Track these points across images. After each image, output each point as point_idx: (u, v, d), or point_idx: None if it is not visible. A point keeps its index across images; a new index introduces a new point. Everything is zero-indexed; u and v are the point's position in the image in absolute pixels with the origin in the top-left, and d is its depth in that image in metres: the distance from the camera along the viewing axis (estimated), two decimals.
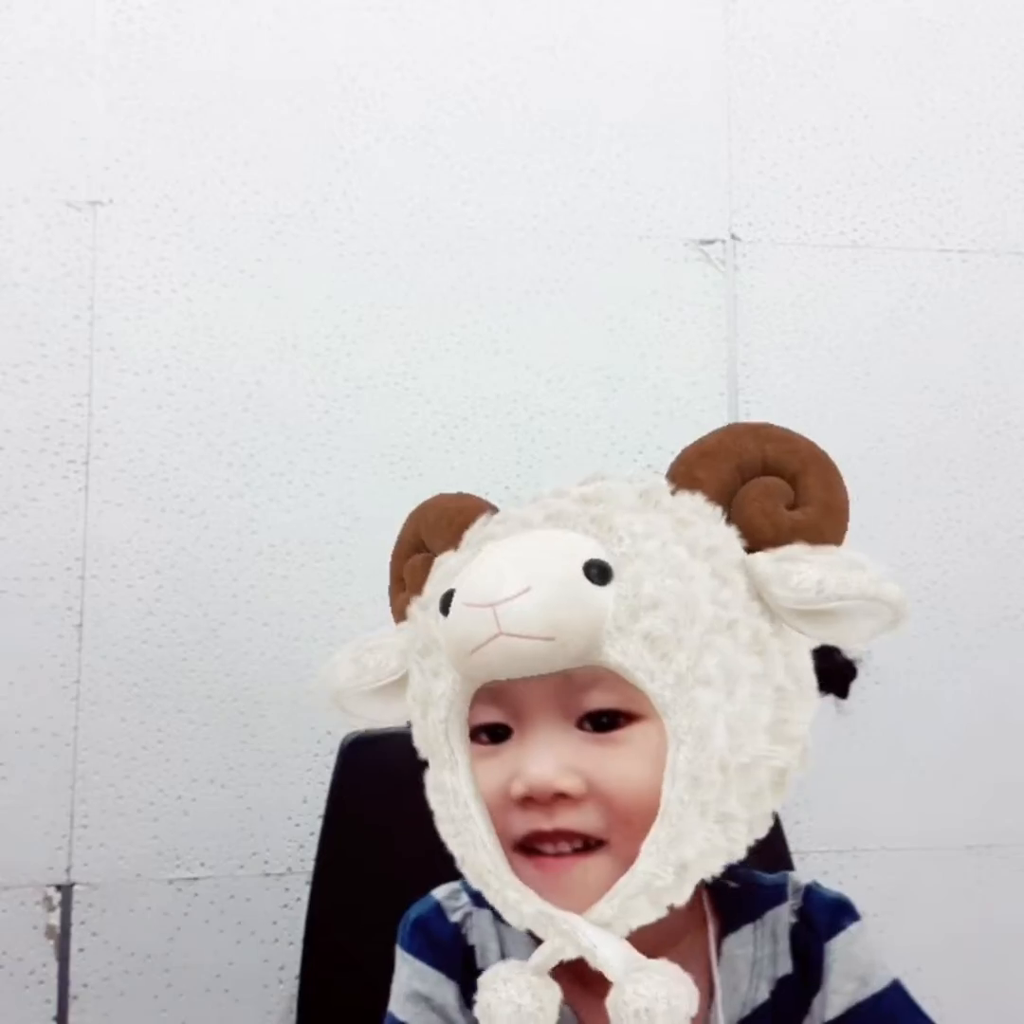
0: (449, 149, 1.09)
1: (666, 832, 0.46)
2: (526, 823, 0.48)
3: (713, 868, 0.48)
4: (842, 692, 0.55)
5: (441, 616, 0.50)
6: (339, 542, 1.04)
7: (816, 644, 0.52)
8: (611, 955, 0.46)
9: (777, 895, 0.57)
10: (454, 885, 0.59)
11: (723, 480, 0.51)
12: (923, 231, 1.16)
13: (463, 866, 0.51)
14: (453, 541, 0.54)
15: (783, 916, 0.57)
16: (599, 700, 0.48)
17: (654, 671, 0.47)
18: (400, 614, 0.58)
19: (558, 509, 0.51)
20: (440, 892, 0.60)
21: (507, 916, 0.50)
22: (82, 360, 1.02)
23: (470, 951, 0.57)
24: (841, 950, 0.56)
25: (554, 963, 0.48)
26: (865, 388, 1.13)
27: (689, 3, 1.14)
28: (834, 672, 0.54)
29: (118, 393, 1.02)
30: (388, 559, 1.10)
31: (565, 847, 0.48)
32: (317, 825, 0.89)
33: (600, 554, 0.48)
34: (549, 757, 0.48)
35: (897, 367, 1.14)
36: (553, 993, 0.48)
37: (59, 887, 0.97)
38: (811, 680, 0.52)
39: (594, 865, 0.48)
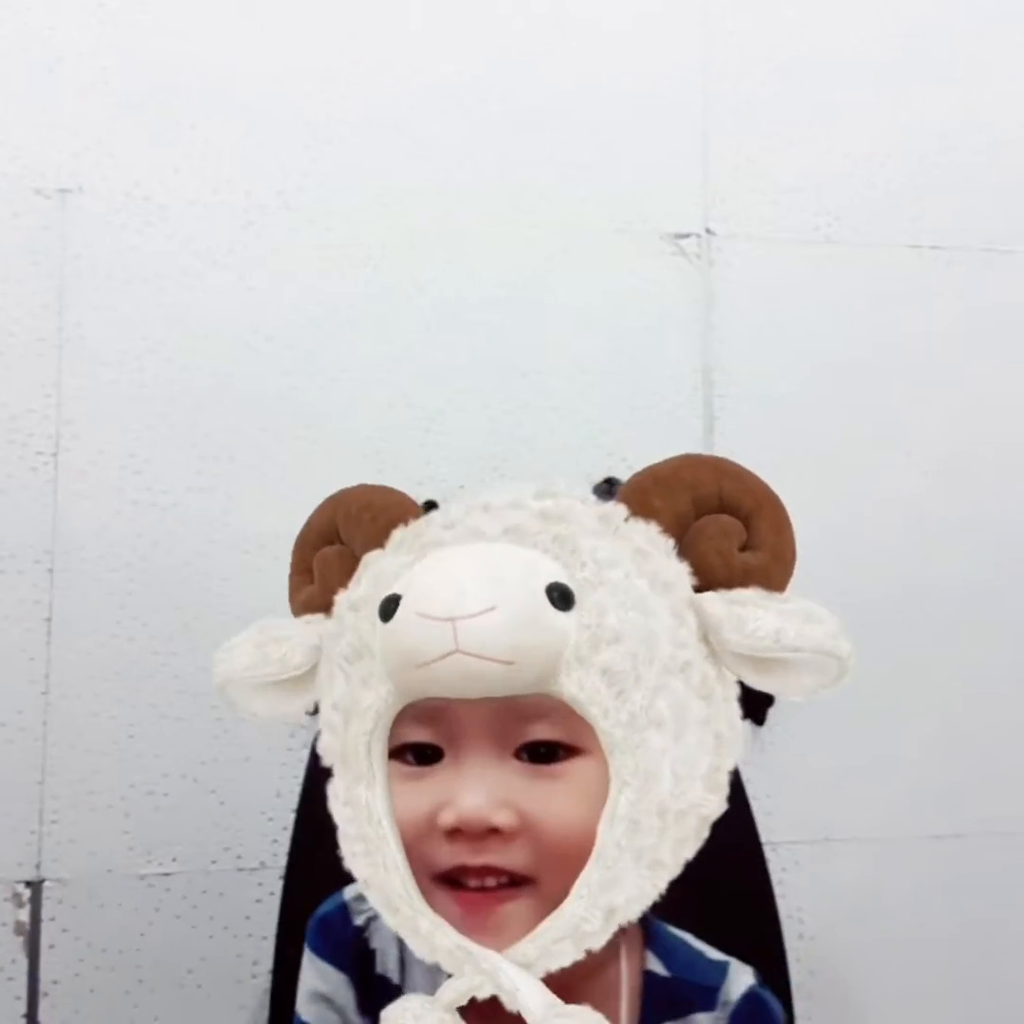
0: (425, 141, 1.09)
1: (599, 875, 0.45)
2: (452, 856, 0.46)
3: (634, 914, 0.47)
4: (759, 719, 0.54)
5: (379, 621, 0.47)
6: None
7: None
8: (531, 997, 0.44)
9: (707, 1000, 0.55)
10: None
11: (679, 512, 0.49)
12: (897, 227, 1.17)
13: (368, 889, 0.49)
14: (378, 538, 0.51)
15: None
16: (543, 731, 0.46)
17: (609, 708, 0.45)
18: (303, 606, 0.55)
19: (516, 523, 0.48)
20: (350, 891, 0.58)
21: (414, 946, 0.48)
22: (51, 350, 1.00)
23: (372, 955, 0.56)
24: None
25: (465, 1000, 0.46)
26: (838, 383, 1.14)
27: None
28: (751, 698, 0.53)
29: (87, 384, 1.00)
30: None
31: (490, 882, 0.46)
32: (290, 819, 0.88)
33: (562, 577, 0.46)
34: (483, 789, 0.45)
35: (870, 362, 1.15)
36: None
37: (28, 883, 0.96)
38: (741, 728, 0.51)
39: (519, 904, 0.46)
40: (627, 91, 1.13)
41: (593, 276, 1.10)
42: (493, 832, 0.46)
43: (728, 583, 0.48)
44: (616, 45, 1.13)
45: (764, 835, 0.88)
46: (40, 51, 1.02)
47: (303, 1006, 0.57)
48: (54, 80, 1.02)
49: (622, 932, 0.54)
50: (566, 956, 0.46)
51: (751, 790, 0.85)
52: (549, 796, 0.46)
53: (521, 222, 1.10)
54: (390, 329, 1.06)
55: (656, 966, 0.56)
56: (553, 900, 0.46)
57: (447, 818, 0.46)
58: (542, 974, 0.46)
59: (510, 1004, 0.45)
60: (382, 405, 1.05)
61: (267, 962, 0.89)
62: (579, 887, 0.45)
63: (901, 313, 1.16)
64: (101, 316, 1.01)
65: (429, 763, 0.48)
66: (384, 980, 0.56)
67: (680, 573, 0.48)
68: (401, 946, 0.55)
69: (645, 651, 0.45)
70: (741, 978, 0.57)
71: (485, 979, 0.45)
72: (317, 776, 0.87)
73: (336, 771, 0.51)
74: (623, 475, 0.55)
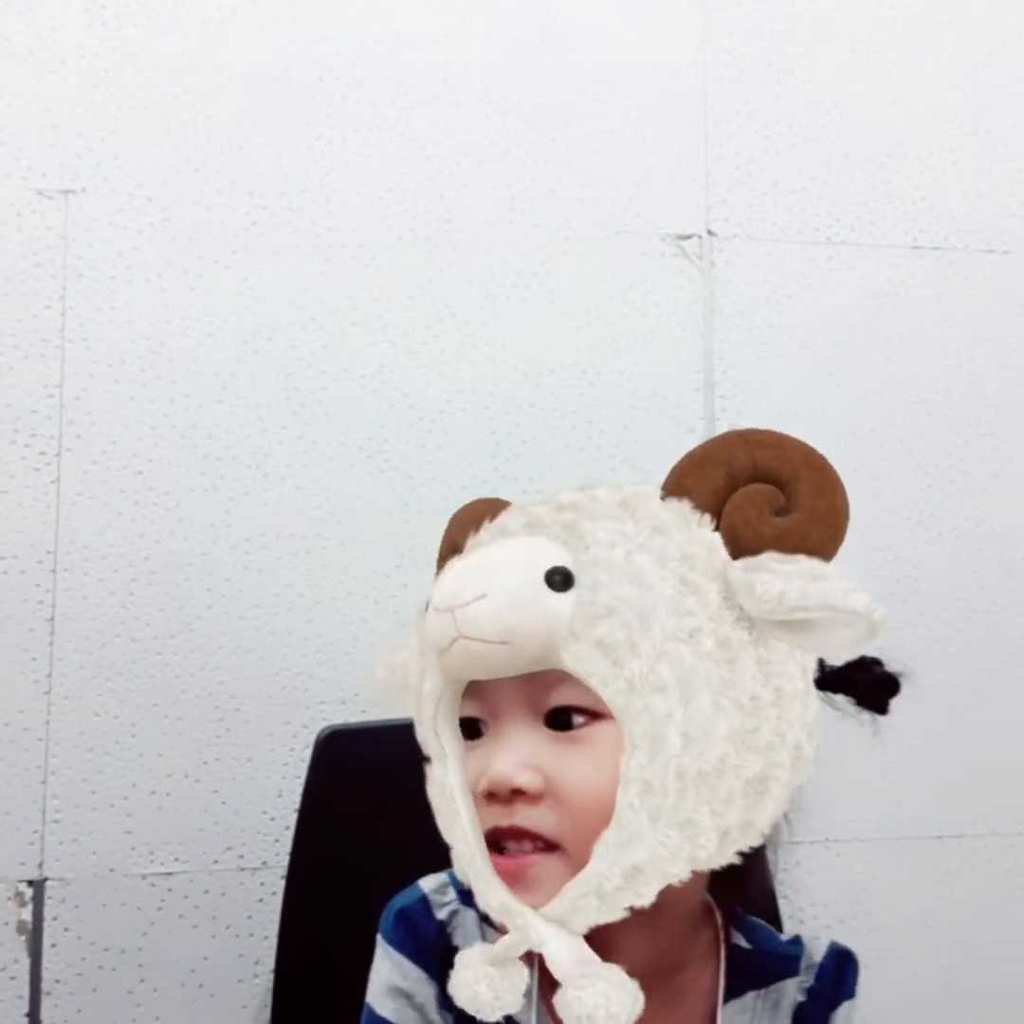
0: (426, 141, 1.09)
1: (616, 836, 0.47)
2: (490, 818, 0.50)
3: (677, 873, 0.48)
4: (881, 708, 0.55)
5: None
6: (315, 535, 1.03)
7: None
8: (559, 952, 0.47)
9: (789, 967, 0.58)
10: (442, 877, 0.60)
11: (713, 487, 0.51)
12: (897, 228, 1.17)
13: (455, 860, 0.52)
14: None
15: (790, 991, 0.57)
16: (564, 697, 0.49)
17: (607, 677, 0.47)
18: None
19: (536, 516, 0.52)
20: (428, 884, 0.60)
21: (479, 904, 0.51)
22: (54, 351, 1.00)
23: (453, 951, 0.56)
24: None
25: (514, 955, 0.49)
26: (839, 383, 1.14)
27: None
28: (871, 686, 0.54)
29: (90, 384, 1.01)
30: (363, 553, 1.12)
31: (527, 846, 0.49)
32: (292, 819, 0.89)
33: (565, 561, 0.48)
34: (512, 753, 0.49)
35: (871, 363, 1.15)
36: (513, 982, 0.48)
37: (31, 882, 0.96)
38: (798, 689, 0.51)
39: (548, 864, 0.49)
40: (628, 92, 1.13)
41: (594, 277, 1.10)
42: (520, 794, 0.49)
43: (758, 549, 0.50)
44: (617, 46, 1.13)
45: None
46: (43, 53, 1.02)
47: (378, 1000, 0.58)
48: (57, 81, 1.03)
49: (718, 907, 0.58)
50: (593, 912, 0.48)
51: None
52: (572, 760, 0.49)
53: (522, 223, 1.10)
54: (390, 329, 1.06)
55: (740, 941, 0.59)
56: (581, 865, 0.48)
57: (481, 783, 0.50)
58: (582, 930, 0.48)
59: (547, 960, 0.48)
60: (382, 405, 1.06)
61: (269, 962, 0.89)
62: (598, 847, 0.47)
63: (902, 313, 1.16)
64: (104, 317, 1.01)
65: (481, 736, 0.52)
66: None
67: (710, 545, 0.50)
68: (484, 939, 0.56)
69: (640, 622, 0.47)
70: (818, 942, 0.60)
71: (521, 935, 0.48)
72: (319, 776, 0.87)
73: (429, 757, 0.55)
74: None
